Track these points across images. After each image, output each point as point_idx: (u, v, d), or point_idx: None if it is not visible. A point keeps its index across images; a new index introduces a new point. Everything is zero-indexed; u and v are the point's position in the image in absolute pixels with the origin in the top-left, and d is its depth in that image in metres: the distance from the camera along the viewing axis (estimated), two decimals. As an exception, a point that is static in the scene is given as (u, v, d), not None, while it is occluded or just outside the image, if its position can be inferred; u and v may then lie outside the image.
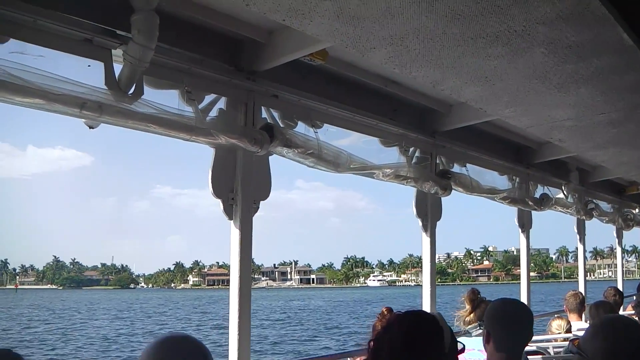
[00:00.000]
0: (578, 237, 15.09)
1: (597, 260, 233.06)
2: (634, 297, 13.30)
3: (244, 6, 4.22)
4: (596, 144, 8.65)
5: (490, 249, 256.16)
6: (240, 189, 6.21)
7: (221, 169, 6.18)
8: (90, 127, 5.16)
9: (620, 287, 15.10)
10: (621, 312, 11.25)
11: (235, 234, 6.20)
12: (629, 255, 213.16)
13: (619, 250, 18.30)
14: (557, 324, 8.69)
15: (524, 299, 11.84)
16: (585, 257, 15.88)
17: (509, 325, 4.68)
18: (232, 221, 6.22)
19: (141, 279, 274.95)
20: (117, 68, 5.03)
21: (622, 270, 18.52)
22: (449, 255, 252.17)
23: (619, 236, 17.22)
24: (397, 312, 3.78)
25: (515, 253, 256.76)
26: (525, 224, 12.25)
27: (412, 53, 4.99)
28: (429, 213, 9.16)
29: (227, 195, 6.19)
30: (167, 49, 5.38)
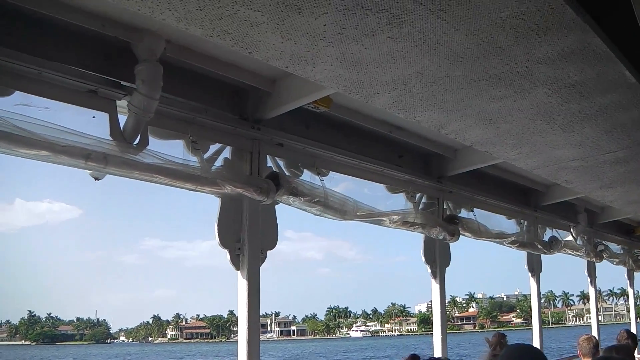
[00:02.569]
0: (589, 279, 14.98)
1: (584, 304, 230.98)
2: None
3: (247, 54, 4.23)
4: (603, 184, 8.61)
5: (479, 295, 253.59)
6: (247, 238, 6.19)
7: (227, 218, 6.16)
8: (96, 179, 5.16)
9: (634, 329, 14.95)
10: (636, 355, 11.10)
11: (242, 284, 6.16)
12: (618, 298, 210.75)
13: (631, 293, 18.15)
14: None
15: (536, 344, 11.70)
16: (597, 298, 15.72)
17: None
18: (239, 271, 6.18)
19: (122, 333, 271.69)
20: (122, 119, 5.05)
21: (635, 313, 18.34)
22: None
23: (630, 277, 17.09)
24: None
25: (504, 299, 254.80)
26: (535, 268, 12.19)
27: (415, 97, 4.99)
28: (437, 259, 9.12)
29: (234, 245, 6.17)
30: (171, 98, 5.41)
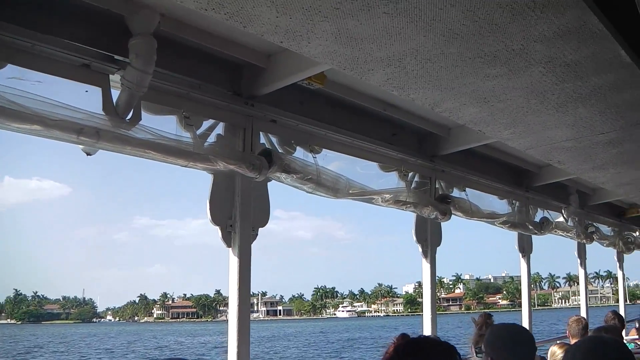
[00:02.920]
0: (579, 261, 15.07)
1: (571, 286, 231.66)
2: (636, 323, 13.26)
3: (242, 29, 4.20)
4: (596, 165, 8.62)
5: (467, 277, 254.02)
6: (239, 215, 6.17)
7: (219, 195, 6.15)
8: (88, 154, 5.14)
9: (622, 311, 15.04)
10: (624, 336, 11.16)
11: (234, 261, 6.15)
12: (604, 280, 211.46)
13: (620, 275, 18.20)
14: (559, 350, 8.58)
15: (525, 324, 11.76)
16: (586, 280, 15.79)
17: (512, 349, 4.62)
18: (230, 249, 6.17)
19: (109, 312, 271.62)
20: (115, 93, 5.02)
21: (625, 295, 18.43)
22: (419, 284, 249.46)
23: (620, 259, 17.19)
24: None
25: (491, 280, 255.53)
26: (525, 248, 12.22)
27: (410, 74, 4.97)
28: (428, 238, 9.14)
29: (226, 222, 6.15)
30: (165, 73, 5.38)
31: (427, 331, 8.78)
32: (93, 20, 4.91)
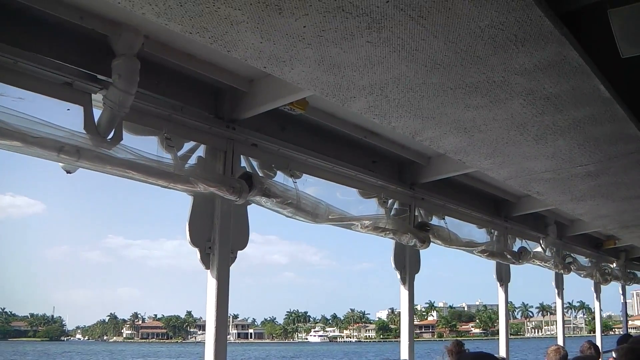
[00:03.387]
0: (557, 291, 15.12)
1: (544, 316, 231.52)
2: (613, 353, 13.27)
3: (225, 53, 4.22)
4: (574, 197, 8.68)
5: (441, 304, 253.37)
6: (218, 238, 6.16)
7: (199, 217, 6.13)
8: (68, 172, 5.13)
9: (598, 341, 15.09)
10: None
11: (212, 283, 6.13)
12: (577, 311, 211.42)
13: (597, 305, 18.26)
14: None
15: (502, 353, 11.77)
16: (563, 310, 15.85)
17: None
18: (208, 270, 6.15)
19: (79, 331, 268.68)
20: (97, 113, 5.02)
21: (601, 326, 18.48)
22: (392, 311, 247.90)
23: (597, 290, 17.31)
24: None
25: (465, 309, 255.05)
26: (503, 277, 12.24)
27: (391, 102, 5.01)
28: (407, 265, 9.14)
29: (205, 244, 6.14)
30: (147, 94, 5.38)
31: (404, 356, 8.78)
32: (77, 39, 4.91)
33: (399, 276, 9.09)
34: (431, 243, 8.96)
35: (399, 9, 3.62)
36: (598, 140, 6.18)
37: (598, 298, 17.66)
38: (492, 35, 3.94)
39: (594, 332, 18.24)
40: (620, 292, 20.07)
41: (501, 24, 3.82)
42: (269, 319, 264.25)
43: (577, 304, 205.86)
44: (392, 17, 3.70)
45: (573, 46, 4.20)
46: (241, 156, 6.39)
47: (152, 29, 4.95)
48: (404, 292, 9.11)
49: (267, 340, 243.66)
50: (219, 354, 6.05)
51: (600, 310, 18.25)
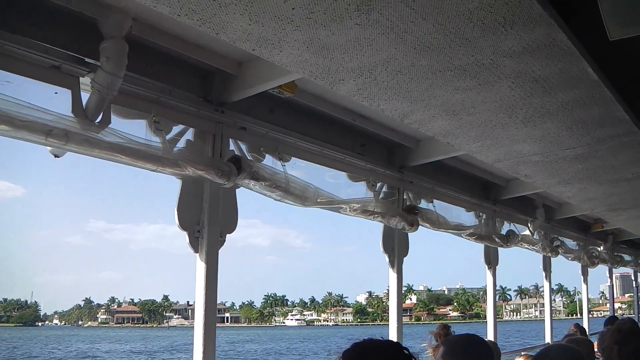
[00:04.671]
0: (544, 274, 15.17)
1: (522, 299, 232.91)
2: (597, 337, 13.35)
3: (214, 36, 4.21)
4: (562, 180, 8.71)
5: (421, 288, 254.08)
6: (207, 221, 6.15)
7: (188, 200, 6.12)
8: (56, 156, 5.10)
9: (585, 324, 15.19)
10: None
11: (201, 266, 6.12)
12: (555, 294, 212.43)
13: (584, 288, 18.35)
14: None
15: (490, 336, 11.83)
16: (550, 293, 15.96)
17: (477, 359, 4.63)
18: (197, 254, 6.15)
19: (56, 316, 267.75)
20: (85, 96, 4.99)
21: (587, 308, 18.60)
22: (370, 294, 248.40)
23: (584, 273, 17.38)
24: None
25: (445, 292, 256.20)
26: (491, 260, 12.28)
27: (380, 85, 5.00)
28: (395, 248, 9.14)
29: (194, 228, 6.12)
30: (135, 78, 5.35)
31: (393, 339, 8.78)
32: (65, 22, 4.87)
33: (387, 259, 9.08)
34: (419, 226, 8.98)
35: (388, -10, 3.62)
36: (586, 123, 6.20)
37: (585, 281, 17.76)
38: (481, 17, 3.94)
39: (574, 314, 18.41)
40: (607, 274, 20.24)
41: (490, 6, 3.82)
42: (247, 302, 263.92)
43: (556, 287, 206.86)
44: (381, -2, 3.70)
45: (562, 29, 4.21)
46: (230, 139, 6.37)
47: (140, 11, 4.93)
48: (393, 276, 9.12)
49: (244, 325, 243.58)
50: (208, 338, 6.04)
51: (577, 293, 18.38)
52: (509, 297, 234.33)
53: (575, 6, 4.51)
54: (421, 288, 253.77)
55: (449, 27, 4.06)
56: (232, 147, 6.39)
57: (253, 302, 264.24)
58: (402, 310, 9.39)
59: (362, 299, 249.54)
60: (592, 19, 4.38)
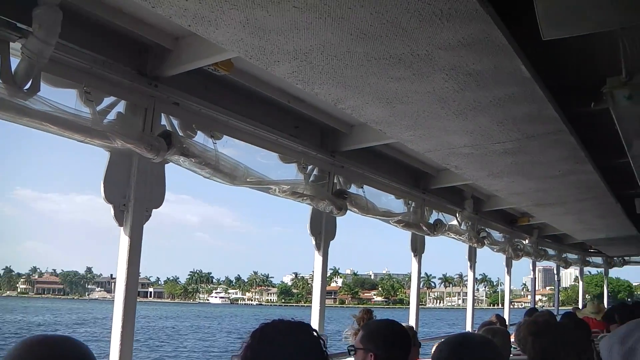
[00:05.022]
0: (469, 264, 15.40)
1: (446, 287, 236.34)
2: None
3: (150, 9, 4.16)
4: (491, 173, 8.83)
5: (348, 271, 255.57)
6: (134, 195, 6.07)
7: (115, 173, 6.03)
8: (-18, 121, 5.00)
9: (506, 315, 15.48)
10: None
11: (124, 241, 6.04)
12: (478, 283, 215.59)
13: (507, 280, 18.70)
14: None
15: (412, 322, 11.94)
16: (474, 282, 16.22)
17: (396, 345, 4.69)
18: (122, 228, 6.08)
19: None
20: (14, 62, 4.88)
21: (509, 299, 18.92)
22: (296, 275, 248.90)
23: (508, 265, 17.76)
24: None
25: (372, 277, 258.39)
26: (418, 248, 12.38)
27: (315, 69, 5.00)
28: (322, 232, 9.15)
29: (119, 201, 6.04)
30: (68, 46, 5.22)
31: (315, 322, 8.82)
32: (-3, -15, 4.77)
33: (314, 242, 9.09)
34: (348, 211, 9.00)
35: (328, -25, 3.62)
36: (517, 119, 6.29)
37: (509, 273, 18.15)
38: (419, 8, 3.96)
39: (496, 305, 18.80)
40: (531, 267, 20.60)
41: (428, -3, 3.84)
42: (172, 278, 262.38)
43: (480, 277, 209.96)
44: (319, -17, 3.69)
45: (497, 25, 4.25)
46: (162, 114, 6.29)
47: (76, -21, 4.85)
48: (318, 258, 9.14)
49: (167, 300, 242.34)
50: (128, 312, 5.98)
51: (499, 283, 18.74)
52: (433, 284, 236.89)
53: (513, 4, 4.55)
54: (348, 272, 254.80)
55: (387, 16, 4.07)
56: (164, 122, 6.31)
57: (178, 278, 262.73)
58: (325, 293, 9.41)
59: (288, 279, 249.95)
60: (529, 18, 4.42)
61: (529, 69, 4.99)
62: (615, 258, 27.26)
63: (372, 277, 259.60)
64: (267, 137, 7.67)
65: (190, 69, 6.13)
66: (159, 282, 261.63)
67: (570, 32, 4.43)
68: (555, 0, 4.17)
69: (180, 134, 6.38)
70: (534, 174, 9.04)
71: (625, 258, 27.71)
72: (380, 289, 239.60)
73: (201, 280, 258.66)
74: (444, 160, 8.14)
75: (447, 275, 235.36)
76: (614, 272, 29.22)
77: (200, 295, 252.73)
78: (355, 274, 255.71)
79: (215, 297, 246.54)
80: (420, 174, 11.49)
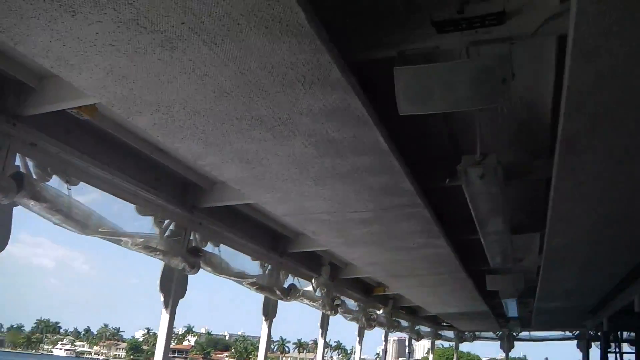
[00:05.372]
0: (320, 331, 15.36)
1: (300, 353, 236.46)
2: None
3: (12, 46, 4.08)
4: (347, 241, 8.92)
5: (203, 330, 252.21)
6: (-26, 236, 5.86)
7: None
8: None
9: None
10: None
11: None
12: (332, 350, 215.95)
13: (358, 348, 18.80)
14: None
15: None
16: (324, 350, 16.27)
17: None
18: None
19: None
20: None
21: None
22: (148, 332, 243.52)
23: (360, 335, 17.82)
24: None
25: (227, 338, 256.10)
26: (269, 312, 12.25)
27: (177, 123, 4.99)
28: (172, 289, 8.96)
29: (-43, 243, 5.82)
30: None
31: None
32: None
33: (162, 299, 8.89)
34: (201, 269, 8.89)
35: (194, 32, 3.64)
36: (373, 189, 6.41)
37: (360, 342, 18.21)
38: (282, 73, 4.03)
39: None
40: (383, 338, 20.79)
41: (291, 63, 3.91)
42: (16, 325, 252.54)
43: (334, 344, 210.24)
44: (185, 39, 3.71)
45: (358, 96, 4.36)
46: (17, 154, 6.11)
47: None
48: (165, 317, 8.91)
49: (7, 349, 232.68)
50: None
51: (361, 354, 18.81)
52: (287, 349, 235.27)
53: (376, 75, 4.68)
54: (202, 330, 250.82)
55: (250, 77, 4.12)
56: (19, 162, 6.13)
57: (23, 326, 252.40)
58: (168, 353, 9.20)
59: (139, 335, 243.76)
60: (390, 89, 4.55)
61: (387, 141, 5.12)
62: (466, 332, 27.97)
63: (227, 337, 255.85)
64: (126, 187, 7.53)
65: (52, 110, 5.98)
66: (1, 330, 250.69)
67: (424, 109, 4.58)
68: (412, 78, 4.32)
69: (34, 177, 6.20)
70: (389, 245, 9.19)
71: (476, 333, 28.49)
72: (233, 350, 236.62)
73: (47, 330, 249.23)
74: (301, 225, 8.20)
75: (302, 341, 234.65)
76: (465, 347, 29.96)
77: (45, 347, 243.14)
78: (209, 334, 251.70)
79: (60, 348, 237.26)
80: (280, 237, 11.46)
